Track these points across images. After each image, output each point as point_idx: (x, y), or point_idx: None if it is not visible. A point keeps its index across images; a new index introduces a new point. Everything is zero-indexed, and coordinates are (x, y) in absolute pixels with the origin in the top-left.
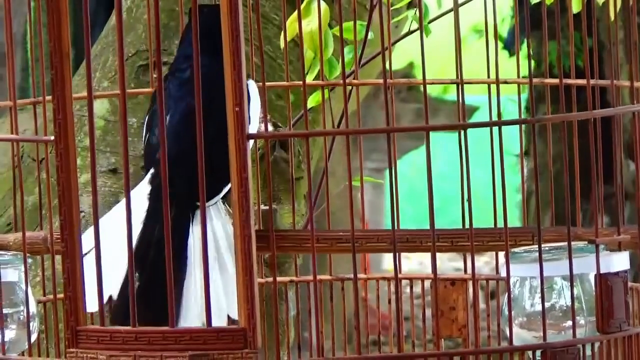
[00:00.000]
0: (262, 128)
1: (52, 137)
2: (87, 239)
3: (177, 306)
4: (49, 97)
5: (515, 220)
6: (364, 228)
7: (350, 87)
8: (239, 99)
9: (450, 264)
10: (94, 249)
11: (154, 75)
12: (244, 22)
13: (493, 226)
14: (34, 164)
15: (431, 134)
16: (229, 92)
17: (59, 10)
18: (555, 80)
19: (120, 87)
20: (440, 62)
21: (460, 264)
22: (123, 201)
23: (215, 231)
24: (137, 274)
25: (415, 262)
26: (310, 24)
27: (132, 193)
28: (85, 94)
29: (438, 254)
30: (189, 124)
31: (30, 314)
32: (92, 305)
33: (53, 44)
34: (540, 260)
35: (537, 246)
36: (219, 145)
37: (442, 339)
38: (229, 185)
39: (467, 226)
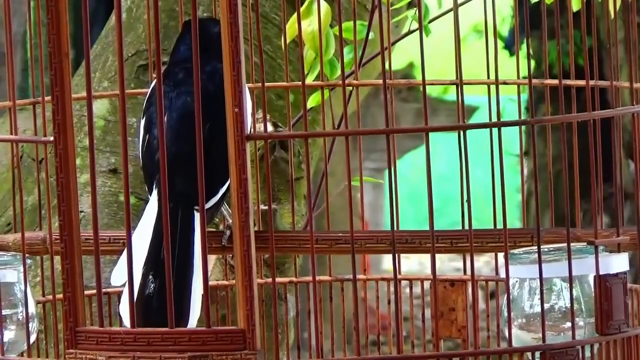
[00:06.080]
0: (262, 129)
1: (52, 138)
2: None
3: (186, 306)
4: (48, 98)
5: (515, 220)
6: (364, 228)
7: (350, 88)
8: (238, 100)
9: (450, 264)
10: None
11: (154, 75)
12: (243, 22)
13: (493, 227)
14: (34, 164)
15: (431, 134)
16: (228, 93)
17: (58, 10)
18: (555, 81)
19: (120, 88)
20: (441, 61)
21: (461, 264)
22: (147, 211)
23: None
24: (151, 276)
25: (415, 262)
26: (311, 24)
27: (150, 201)
28: (85, 94)
29: (438, 255)
30: (185, 125)
31: (29, 314)
32: (116, 279)
33: (52, 44)
34: (540, 262)
35: (536, 247)
36: (214, 145)
37: (442, 340)
38: (226, 186)
39: (466, 227)
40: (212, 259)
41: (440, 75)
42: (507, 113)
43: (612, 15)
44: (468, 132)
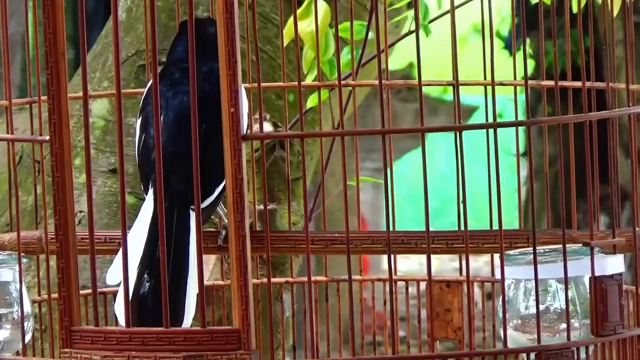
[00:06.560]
0: (258, 128)
1: (48, 137)
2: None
3: (181, 305)
4: (45, 97)
5: (514, 221)
6: (362, 229)
7: (348, 88)
8: (235, 100)
9: (451, 264)
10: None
11: (151, 75)
12: (241, 21)
13: (489, 228)
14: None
15: (432, 134)
16: (224, 93)
17: (54, 9)
18: (552, 83)
19: (116, 88)
20: (442, 62)
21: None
22: (142, 211)
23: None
24: (146, 276)
25: (415, 262)
26: (311, 24)
27: (146, 200)
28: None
29: (439, 255)
30: (181, 125)
31: (25, 313)
32: (112, 278)
33: (48, 44)
34: (535, 263)
35: (532, 248)
36: (210, 145)
37: (438, 341)
38: (222, 186)
39: (462, 228)
40: (212, 259)
41: (441, 75)
42: (507, 113)
43: (615, 13)
44: (468, 132)
